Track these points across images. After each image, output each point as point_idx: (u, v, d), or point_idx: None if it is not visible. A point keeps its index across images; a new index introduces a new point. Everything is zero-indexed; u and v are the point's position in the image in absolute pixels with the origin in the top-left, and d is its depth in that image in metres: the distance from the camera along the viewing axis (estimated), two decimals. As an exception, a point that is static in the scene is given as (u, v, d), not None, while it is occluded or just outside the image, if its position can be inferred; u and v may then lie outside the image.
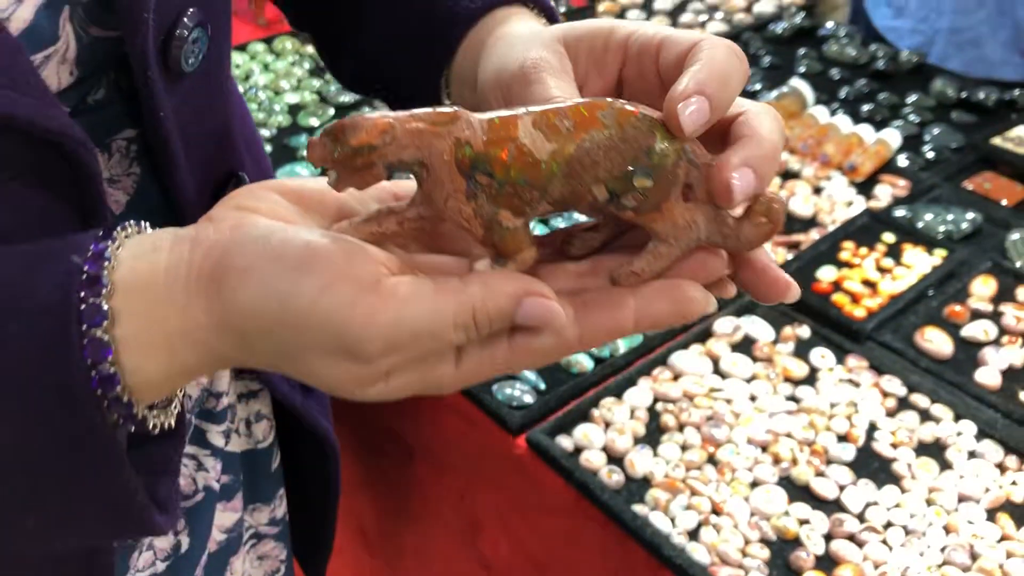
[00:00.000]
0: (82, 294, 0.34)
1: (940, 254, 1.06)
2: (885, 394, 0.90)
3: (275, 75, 1.44)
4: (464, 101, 0.51)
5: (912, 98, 1.37)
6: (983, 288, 1.01)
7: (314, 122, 1.33)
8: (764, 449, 0.85)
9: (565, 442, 0.85)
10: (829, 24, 1.57)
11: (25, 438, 0.35)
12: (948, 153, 1.25)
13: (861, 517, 0.80)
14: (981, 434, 0.86)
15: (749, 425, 0.86)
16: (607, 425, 0.87)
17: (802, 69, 1.44)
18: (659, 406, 0.89)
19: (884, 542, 0.77)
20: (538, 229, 0.55)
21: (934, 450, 0.85)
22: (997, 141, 1.23)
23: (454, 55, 0.51)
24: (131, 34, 0.42)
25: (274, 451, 0.68)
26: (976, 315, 0.98)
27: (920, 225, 1.10)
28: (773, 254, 1.06)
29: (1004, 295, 1.01)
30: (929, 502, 0.81)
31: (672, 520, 0.79)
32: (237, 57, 1.47)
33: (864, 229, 1.10)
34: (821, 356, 0.94)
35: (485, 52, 0.47)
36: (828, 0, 1.90)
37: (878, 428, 0.87)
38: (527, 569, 0.94)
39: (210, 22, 0.46)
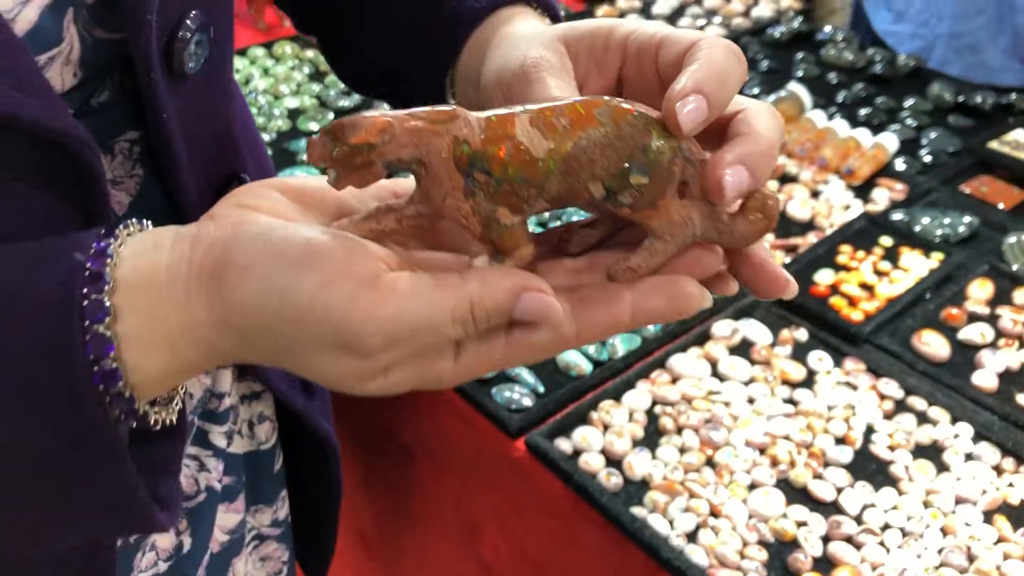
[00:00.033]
0: (85, 290, 0.35)
1: (937, 257, 1.06)
2: (882, 397, 0.90)
3: (275, 79, 1.44)
4: (469, 101, 0.51)
5: (909, 102, 1.37)
6: (980, 291, 1.01)
7: (314, 126, 1.34)
8: (762, 451, 0.85)
9: (564, 445, 0.85)
10: (827, 28, 1.57)
11: (27, 434, 0.36)
12: (945, 157, 1.26)
13: (859, 519, 0.80)
14: (978, 436, 0.86)
15: (747, 428, 0.87)
16: (606, 428, 0.87)
17: (800, 73, 1.45)
18: (657, 409, 0.89)
19: (881, 544, 0.78)
20: (535, 228, 0.56)
21: (931, 452, 0.85)
22: (994, 145, 1.24)
23: (459, 54, 0.51)
24: (134, 36, 0.42)
25: (277, 453, 0.68)
26: (973, 318, 0.99)
27: (917, 228, 1.11)
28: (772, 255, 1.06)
29: (1001, 298, 1.01)
30: (926, 504, 0.81)
31: (670, 522, 0.79)
32: (237, 62, 1.48)
33: (861, 232, 1.10)
34: (819, 359, 0.94)
35: (489, 51, 0.48)
36: (826, 4, 1.90)
37: (875, 431, 0.87)
38: (526, 571, 0.94)
39: (212, 24, 0.47)
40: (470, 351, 0.36)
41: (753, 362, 0.94)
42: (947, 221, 1.11)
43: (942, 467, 0.84)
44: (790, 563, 0.76)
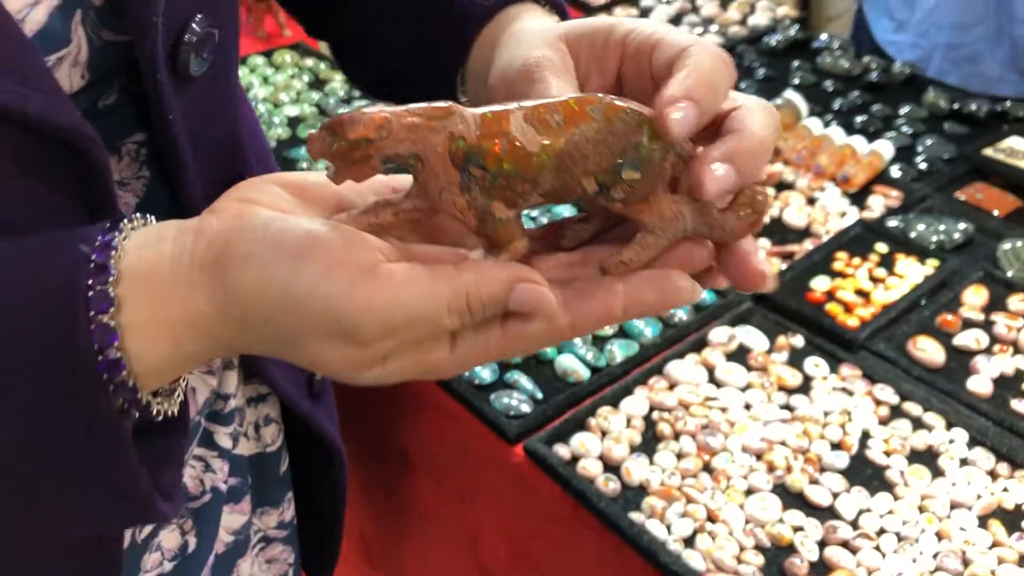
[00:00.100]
0: (89, 282, 0.35)
1: (932, 264, 1.07)
2: (878, 402, 0.91)
3: (274, 88, 1.45)
4: (480, 98, 0.52)
5: (905, 109, 1.37)
6: (975, 297, 1.02)
7: (314, 135, 1.34)
8: (759, 457, 0.85)
9: (562, 451, 0.85)
10: (823, 36, 1.58)
11: (31, 423, 0.36)
12: (940, 164, 1.26)
13: (854, 524, 0.80)
14: (973, 442, 0.86)
15: (744, 433, 0.87)
16: (604, 434, 0.87)
17: (796, 81, 1.45)
18: (655, 415, 0.89)
19: (877, 549, 0.78)
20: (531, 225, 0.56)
21: (926, 458, 0.86)
22: (989, 152, 1.24)
23: (469, 53, 0.52)
24: (140, 38, 0.43)
25: (282, 455, 0.69)
26: (968, 324, 0.99)
27: (913, 235, 1.11)
28: (767, 264, 1.07)
29: (996, 304, 1.02)
30: (922, 509, 0.81)
31: (668, 527, 0.79)
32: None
33: (857, 239, 1.11)
34: (815, 365, 0.94)
35: (497, 49, 0.48)
36: (822, 12, 1.91)
37: (871, 436, 0.87)
38: (524, 576, 0.94)
39: (218, 27, 0.47)
40: (466, 341, 0.37)
41: (750, 368, 0.94)
42: (942, 228, 1.12)
43: (937, 472, 0.84)
44: (787, 568, 0.77)
